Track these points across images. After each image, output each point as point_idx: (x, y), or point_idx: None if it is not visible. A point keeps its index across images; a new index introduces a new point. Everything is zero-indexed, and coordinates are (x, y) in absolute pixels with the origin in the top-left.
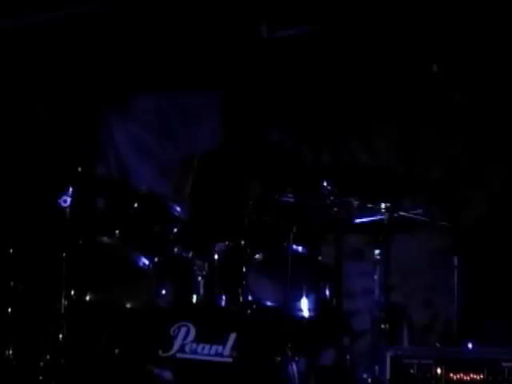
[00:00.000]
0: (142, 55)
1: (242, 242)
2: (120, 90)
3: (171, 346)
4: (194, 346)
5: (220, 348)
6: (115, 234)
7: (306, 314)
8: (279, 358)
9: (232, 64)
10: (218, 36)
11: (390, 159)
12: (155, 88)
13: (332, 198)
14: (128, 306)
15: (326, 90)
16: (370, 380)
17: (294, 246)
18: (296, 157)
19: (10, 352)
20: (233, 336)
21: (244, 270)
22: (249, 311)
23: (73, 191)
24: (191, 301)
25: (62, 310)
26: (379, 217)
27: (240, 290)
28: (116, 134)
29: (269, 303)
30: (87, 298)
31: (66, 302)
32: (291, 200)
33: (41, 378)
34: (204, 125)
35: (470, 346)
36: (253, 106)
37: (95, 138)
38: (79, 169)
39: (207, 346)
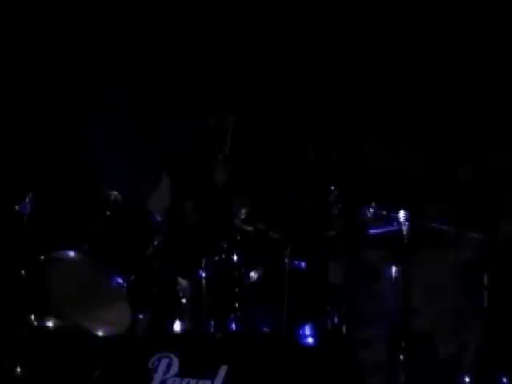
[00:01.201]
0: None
1: (235, 258)
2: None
3: (150, 381)
4: (178, 381)
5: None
6: (83, 247)
7: (309, 341)
8: None
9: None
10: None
11: (410, 158)
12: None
13: (340, 205)
14: (99, 333)
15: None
16: None
17: (296, 262)
18: (296, 155)
19: None
20: (223, 369)
21: (236, 290)
22: (242, 340)
23: (33, 197)
24: (174, 328)
25: (21, 338)
26: (397, 228)
27: (232, 315)
28: (85, 126)
29: (265, 330)
30: (50, 324)
31: (24, 329)
32: (292, 207)
33: None
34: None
35: (504, 381)
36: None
37: (60, 131)
38: (41, 170)
39: (193, 382)
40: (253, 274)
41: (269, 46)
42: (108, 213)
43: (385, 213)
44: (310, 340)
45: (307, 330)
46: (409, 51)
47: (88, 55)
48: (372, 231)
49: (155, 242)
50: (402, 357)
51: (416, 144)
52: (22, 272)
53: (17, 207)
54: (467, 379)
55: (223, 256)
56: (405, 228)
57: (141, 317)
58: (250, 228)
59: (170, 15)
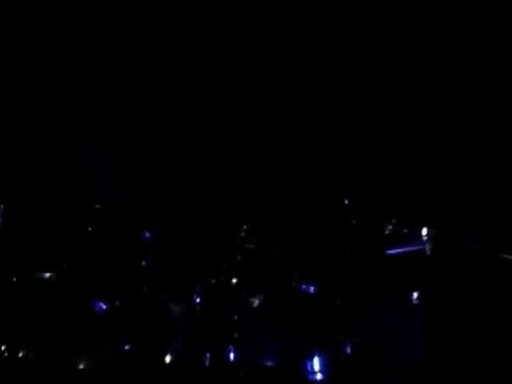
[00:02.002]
0: None
1: (234, 280)
2: None
3: None
4: None
5: None
6: (61, 267)
7: (318, 376)
8: None
9: None
10: None
11: (433, 171)
12: None
13: (356, 220)
14: (79, 366)
15: None
16: None
17: (304, 286)
18: (304, 161)
19: None
20: None
21: (236, 317)
22: (242, 374)
23: (4, 210)
24: (164, 360)
25: None
26: (419, 247)
27: (230, 346)
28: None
29: (269, 363)
30: (22, 354)
31: None
32: (300, 221)
33: None
34: None
35: None
36: None
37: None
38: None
39: None
40: (254, 299)
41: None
42: (90, 228)
43: (406, 230)
44: (319, 376)
45: (316, 363)
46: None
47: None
48: (391, 251)
49: (144, 262)
50: None
51: (439, 156)
52: None
53: None
54: None
55: (221, 278)
56: (428, 247)
57: (126, 347)
58: (251, 246)
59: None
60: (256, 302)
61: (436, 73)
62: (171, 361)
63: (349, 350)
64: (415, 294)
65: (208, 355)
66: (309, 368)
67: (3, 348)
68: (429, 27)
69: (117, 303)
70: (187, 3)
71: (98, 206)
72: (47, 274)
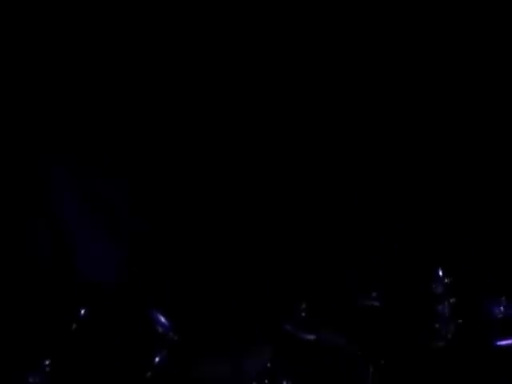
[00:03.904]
0: None
1: None
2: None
3: None
4: None
5: None
6: (44, 368)
7: None
8: None
9: None
10: None
11: None
12: None
13: (453, 299)
14: None
15: None
16: None
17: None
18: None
19: None
20: None
21: None
22: None
23: None
24: None
25: None
26: None
27: None
28: (54, 178)
29: None
30: None
31: None
32: (375, 302)
33: None
34: None
35: None
36: None
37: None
38: None
39: None
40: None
41: None
42: (83, 311)
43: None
44: None
45: None
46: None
47: None
48: (503, 342)
49: (157, 359)
50: None
51: None
52: None
53: None
54: None
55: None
56: None
57: None
58: (311, 336)
59: None
60: None
61: (436, 77)
62: None
63: None
64: None
65: None
66: None
67: None
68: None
69: None
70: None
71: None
72: (30, 379)
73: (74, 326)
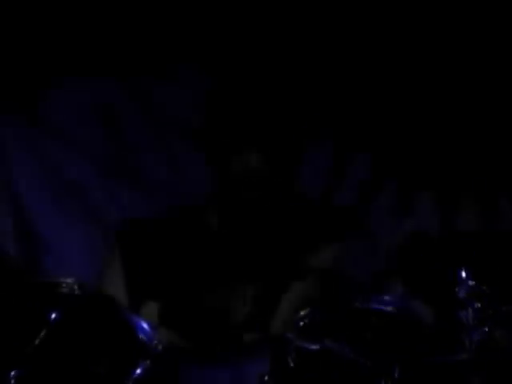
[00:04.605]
0: None
1: None
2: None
3: None
4: None
5: None
6: (9, 382)
7: None
8: None
9: None
10: None
11: None
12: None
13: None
14: None
15: None
16: None
17: None
18: None
19: None
20: None
21: None
22: None
23: None
24: None
25: None
26: None
27: None
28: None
29: None
30: None
31: None
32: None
33: None
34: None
35: None
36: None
37: None
38: None
39: None
40: None
41: None
42: (54, 315)
43: None
44: None
45: None
46: None
47: None
48: None
49: (138, 371)
50: None
51: None
52: None
53: None
54: None
55: None
56: None
57: None
58: (315, 346)
59: None
60: None
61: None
62: None
63: None
64: None
65: None
66: None
67: None
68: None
69: None
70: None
71: (71, 283)
72: None
73: (43, 332)
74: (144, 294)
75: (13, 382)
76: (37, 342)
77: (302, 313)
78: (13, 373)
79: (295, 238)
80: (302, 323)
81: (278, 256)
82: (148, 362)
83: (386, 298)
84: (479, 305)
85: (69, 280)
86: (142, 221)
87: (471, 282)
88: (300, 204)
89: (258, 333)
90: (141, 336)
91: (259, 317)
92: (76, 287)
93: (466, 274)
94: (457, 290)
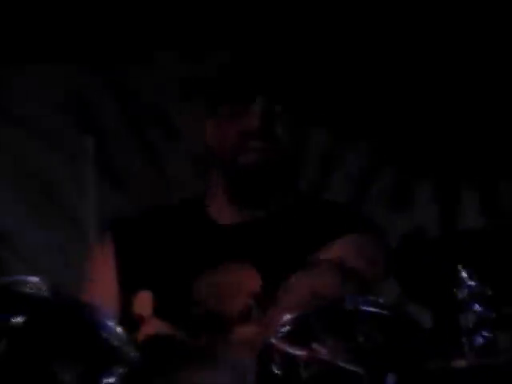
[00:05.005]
0: None
1: None
2: None
3: None
4: None
5: None
6: None
7: None
8: None
9: None
10: None
11: None
12: None
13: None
14: None
15: None
16: None
17: None
18: None
19: None
20: None
21: None
22: None
23: None
24: None
25: None
26: None
27: None
28: None
29: None
30: None
31: None
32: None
33: None
34: None
35: None
36: None
37: None
38: None
39: None
40: None
41: None
42: (22, 318)
43: None
44: None
45: None
46: None
47: None
48: None
49: (110, 380)
50: None
51: None
52: None
53: None
54: None
55: None
56: None
57: None
58: (301, 352)
59: None
60: None
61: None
62: None
63: None
64: None
65: None
66: None
67: None
68: None
69: None
70: None
71: (42, 288)
72: None
73: (4, 339)
74: (137, 288)
75: None
76: None
77: (288, 316)
78: None
79: (295, 234)
80: (287, 327)
81: (277, 252)
82: (121, 369)
83: (380, 299)
84: (480, 307)
85: (35, 280)
86: (130, 216)
87: (472, 283)
88: (299, 199)
89: (258, 329)
90: (115, 342)
91: (259, 313)
92: (43, 288)
93: (466, 274)
94: (456, 291)
